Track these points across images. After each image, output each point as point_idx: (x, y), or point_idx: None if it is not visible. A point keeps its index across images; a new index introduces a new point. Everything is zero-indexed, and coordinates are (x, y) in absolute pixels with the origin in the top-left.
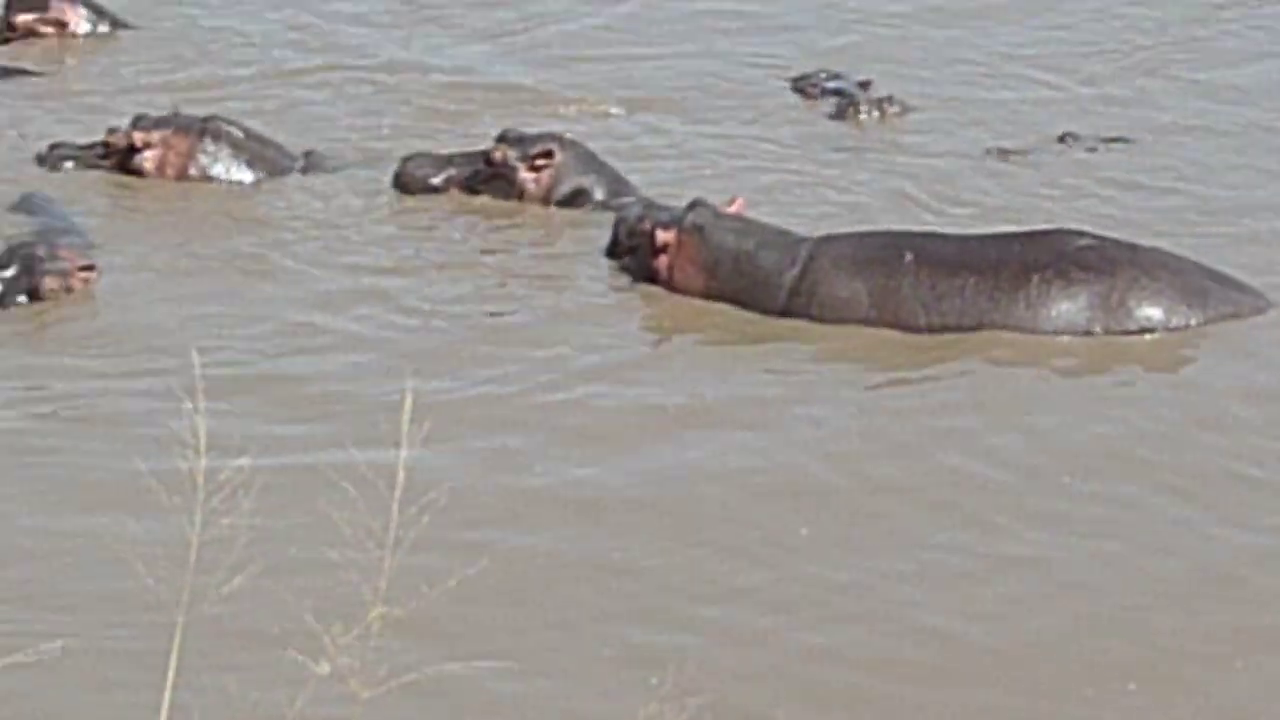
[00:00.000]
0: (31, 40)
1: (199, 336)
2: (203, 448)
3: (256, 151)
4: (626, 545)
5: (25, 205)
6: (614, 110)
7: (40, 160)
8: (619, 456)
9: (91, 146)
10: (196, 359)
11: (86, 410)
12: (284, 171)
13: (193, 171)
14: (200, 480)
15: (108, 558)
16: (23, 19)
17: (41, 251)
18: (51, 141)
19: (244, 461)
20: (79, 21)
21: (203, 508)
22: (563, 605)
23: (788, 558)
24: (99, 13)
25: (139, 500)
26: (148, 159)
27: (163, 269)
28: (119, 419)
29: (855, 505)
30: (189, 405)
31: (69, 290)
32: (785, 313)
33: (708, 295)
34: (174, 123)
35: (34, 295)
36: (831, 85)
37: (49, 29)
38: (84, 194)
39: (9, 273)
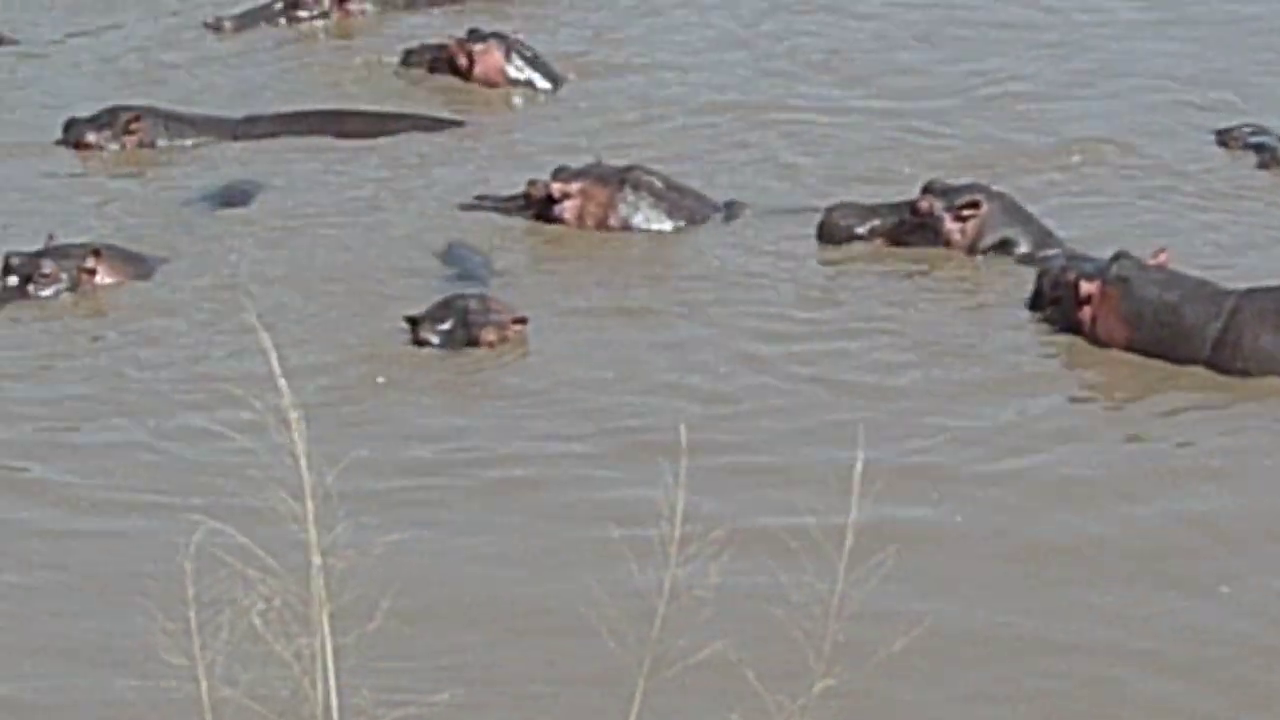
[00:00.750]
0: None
1: (631, 394)
2: (678, 515)
3: (676, 201)
4: (1068, 616)
5: (450, 255)
6: (1074, 159)
7: (464, 209)
8: (1073, 514)
9: (513, 197)
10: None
11: (528, 471)
12: (704, 220)
13: (612, 221)
14: (669, 546)
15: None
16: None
17: (475, 304)
18: (477, 193)
19: (696, 526)
20: (499, 61)
21: (671, 573)
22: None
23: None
24: (536, 65)
25: (601, 564)
26: (567, 209)
27: (588, 320)
28: (558, 481)
29: None
30: (608, 469)
31: (504, 341)
32: (1209, 365)
33: (1130, 347)
34: (594, 173)
35: (472, 346)
36: (1255, 139)
37: (463, 60)
38: (506, 243)
39: (446, 325)
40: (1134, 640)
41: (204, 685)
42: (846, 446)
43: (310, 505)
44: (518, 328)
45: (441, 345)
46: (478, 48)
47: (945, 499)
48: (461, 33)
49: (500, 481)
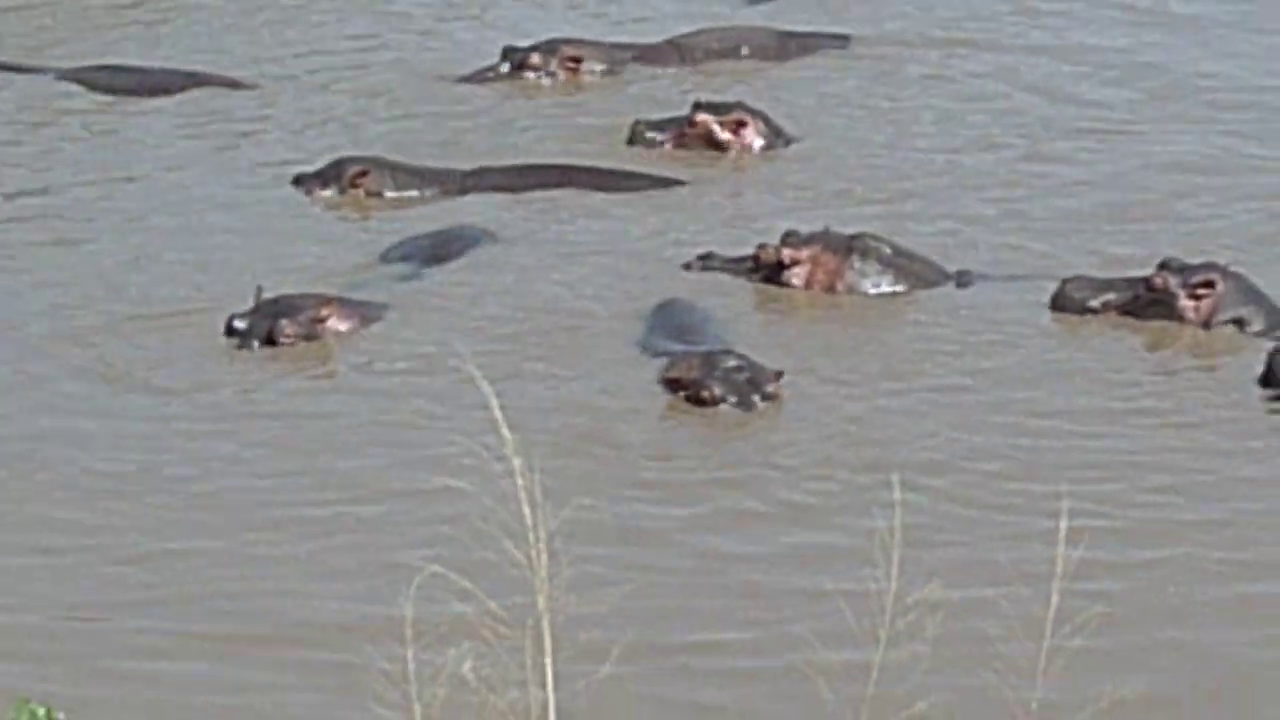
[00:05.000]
0: (703, 150)
1: (883, 454)
2: (894, 572)
3: (905, 267)
4: None
5: (670, 311)
6: None
7: (687, 267)
8: None
9: (742, 259)
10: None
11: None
12: (934, 286)
13: (840, 287)
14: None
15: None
16: (703, 118)
17: (737, 361)
18: (702, 251)
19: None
20: (755, 137)
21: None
22: None
23: None
24: (776, 132)
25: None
26: (796, 274)
27: (830, 382)
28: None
29: None
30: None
31: (769, 399)
32: None
33: None
34: (823, 239)
35: (746, 406)
36: None
37: (727, 135)
38: (734, 303)
39: (741, 377)
40: None
41: None
42: (1059, 512)
43: (537, 553)
44: (778, 385)
45: (733, 402)
46: (740, 125)
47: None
48: (690, 102)
49: (725, 529)
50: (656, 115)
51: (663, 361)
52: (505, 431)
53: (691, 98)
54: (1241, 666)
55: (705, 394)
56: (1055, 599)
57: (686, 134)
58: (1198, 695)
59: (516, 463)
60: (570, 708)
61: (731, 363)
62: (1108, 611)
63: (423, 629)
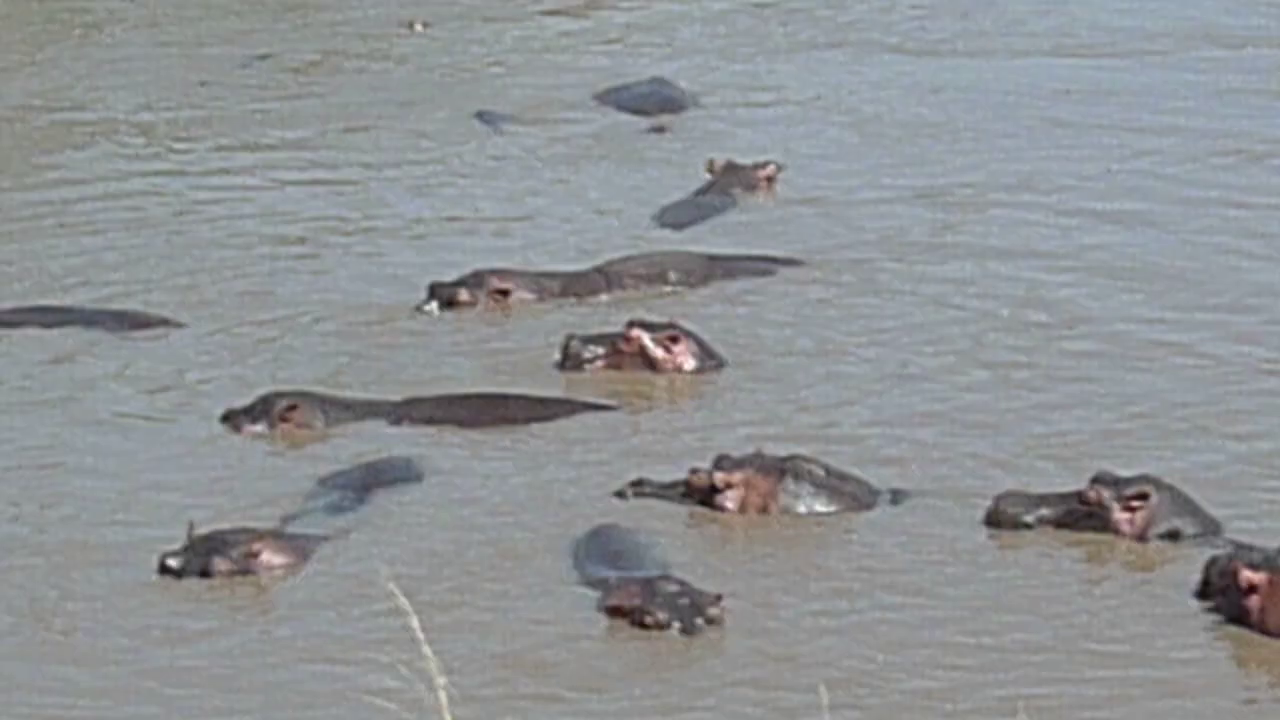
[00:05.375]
0: (635, 369)
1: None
2: None
3: (838, 487)
4: None
5: (604, 537)
6: None
7: (619, 495)
8: None
9: (674, 485)
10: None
11: None
12: (868, 505)
13: (774, 510)
14: None
15: None
16: (637, 333)
17: (677, 586)
18: (633, 478)
19: None
20: (687, 356)
21: None
22: None
23: None
24: (708, 353)
25: None
26: (730, 498)
27: (765, 605)
28: None
29: None
30: None
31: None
32: None
33: None
34: (756, 462)
35: (690, 630)
36: None
37: (660, 351)
38: (668, 528)
39: (680, 604)
40: None
41: None
42: None
43: None
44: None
45: (672, 625)
46: (675, 346)
47: None
48: (623, 323)
49: None
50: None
51: (597, 589)
52: (429, 654)
53: (620, 322)
54: None
55: (649, 619)
56: None
57: (621, 349)
58: None
59: (441, 683)
60: None
61: (672, 587)
62: None
63: None
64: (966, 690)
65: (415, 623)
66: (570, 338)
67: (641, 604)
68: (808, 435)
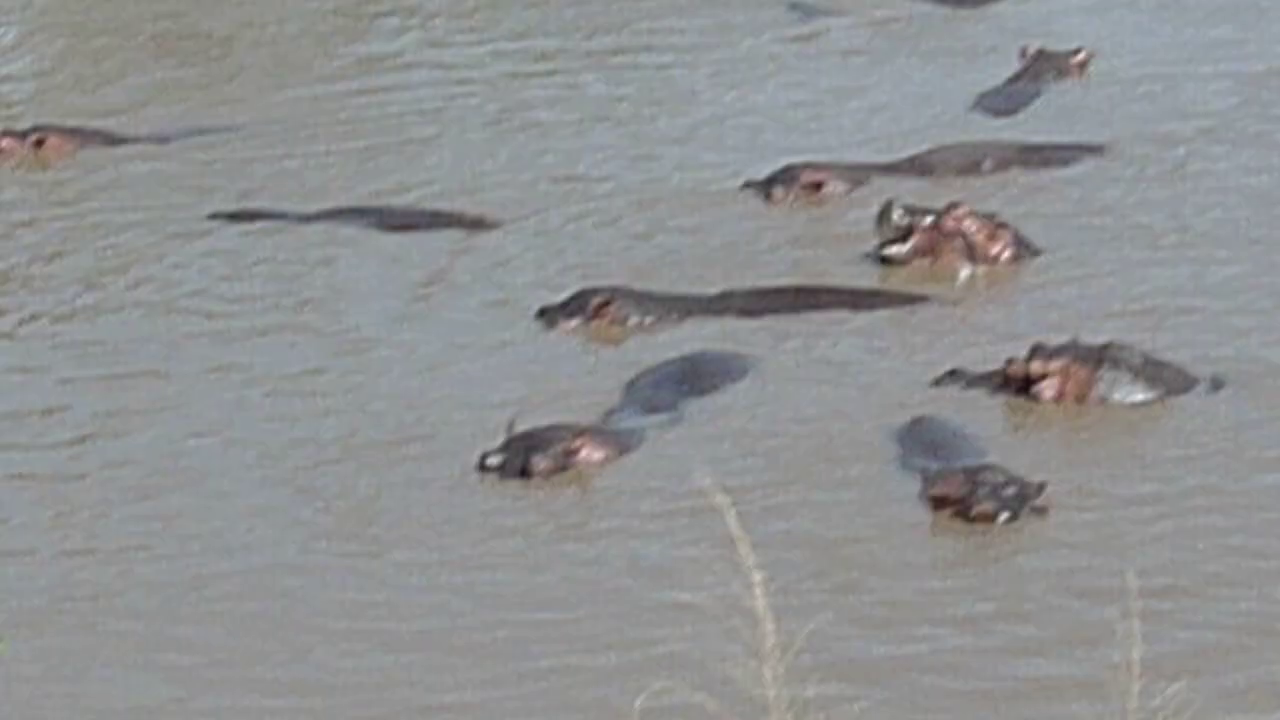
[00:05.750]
0: (947, 256)
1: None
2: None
3: (1156, 375)
4: None
5: (923, 427)
6: None
7: (936, 384)
8: None
9: (990, 375)
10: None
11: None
12: (1185, 392)
13: (1091, 398)
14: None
15: None
16: (961, 213)
17: (999, 475)
18: (950, 368)
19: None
20: (1005, 247)
21: None
22: None
23: None
24: (1023, 244)
25: None
26: (1047, 387)
27: (1090, 496)
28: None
29: None
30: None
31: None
32: None
33: None
34: (1072, 351)
35: (1016, 519)
36: None
37: (981, 237)
38: (986, 419)
39: (1008, 491)
40: None
41: None
42: None
43: (774, 676)
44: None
45: (1000, 515)
46: (997, 232)
47: None
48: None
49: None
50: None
51: (919, 479)
52: (746, 551)
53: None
54: None
55: (976, 509)
56: None
57: (941, 228)
58: None
59: (758, 580)
60: None
61: (997, 476)
62: None
63: None
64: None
65: (732, 519)
66: (890, 201)
67: (968, 494)
68: (1125, 323)
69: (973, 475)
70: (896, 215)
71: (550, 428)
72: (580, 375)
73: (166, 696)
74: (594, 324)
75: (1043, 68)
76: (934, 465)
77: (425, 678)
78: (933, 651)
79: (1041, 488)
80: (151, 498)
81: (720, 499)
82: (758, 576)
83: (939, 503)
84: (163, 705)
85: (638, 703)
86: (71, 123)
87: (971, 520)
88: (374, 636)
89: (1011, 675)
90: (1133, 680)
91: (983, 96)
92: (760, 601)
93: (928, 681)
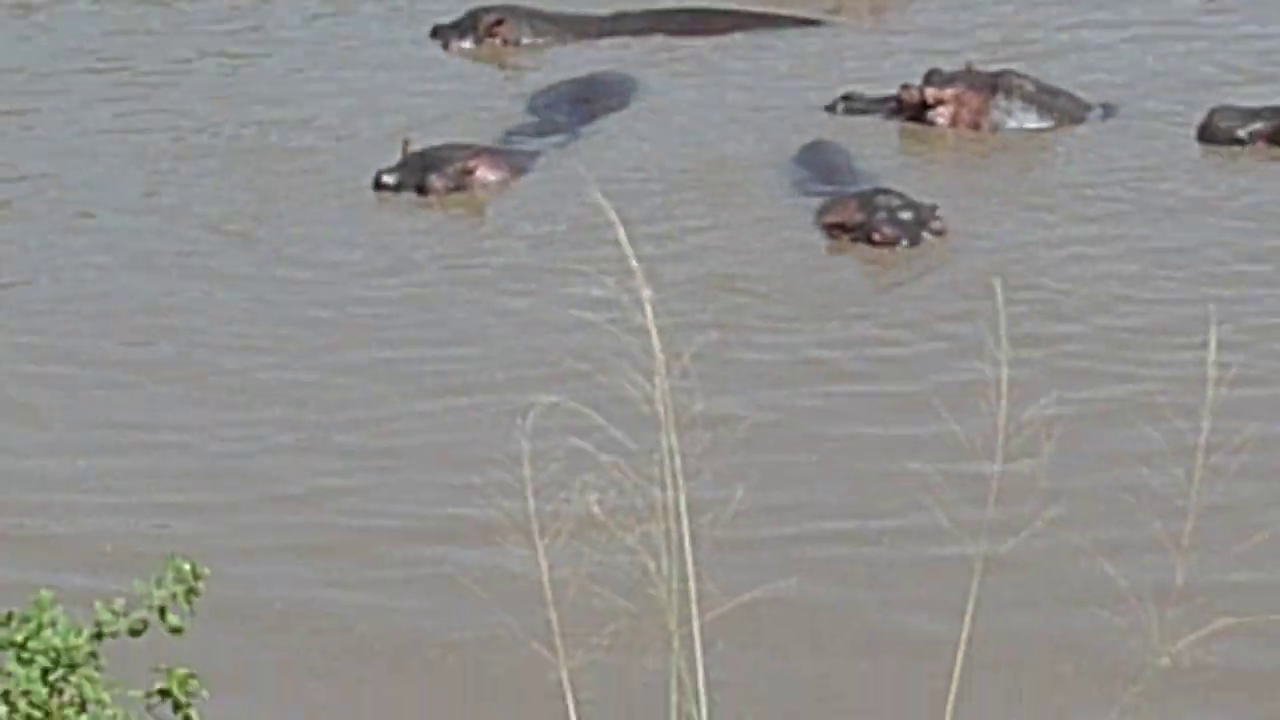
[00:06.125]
0: None
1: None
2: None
3: (1048, 103)
4: None
5: (815, 152)
6: None
7: (830, 109)
8: None
9: (884, 100)
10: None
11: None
12: (1079, 121)
13: (985, 125)
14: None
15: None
16: None
17: (895, 200)
18: (844, 92)
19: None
20: None
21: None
22: None
23: None
24: None
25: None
26: (941, 114)
27: (981, 219)
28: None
29: None
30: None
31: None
32: None
33: None
34: (967, 78)
35: (915, 242)
36: None
37: None
38: (873, 144)
39: (906, 216)
40: None
41: (544, 567)
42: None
43: (662, 383)
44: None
45: (905, 242)
46: None
47: None
48: None
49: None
50: None
51: (814, 203)
52: (636, 265)
53: None
54: None
55: (876, 235)
56: (1207, 424)
57: None
58: None
59: (647, 295)
60: (703, 536)
61: (893, 200)
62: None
63: (543, 463)
64: (1160, 302)
65: (622, 233)
66: None
67: (865, 219)
68: (1017, 51)
69: (867, 201)
70: None
71: (446, 147)
72: (473, 95)
73: None
74: (486, 43)
75: None
76: (826, 190)
77: (320, 395)
78: (820, 363)
79: (934, 209)
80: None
81: (611, 215)
82: (647, 292)
83: (834, 229)
84: None
85: (529, 417)
86: None
87: (873, 245)
88: (259, 344)
89: (892, 385)
90: (1002, 395)
91: None
92: (650, 316)
93: (823, 390)
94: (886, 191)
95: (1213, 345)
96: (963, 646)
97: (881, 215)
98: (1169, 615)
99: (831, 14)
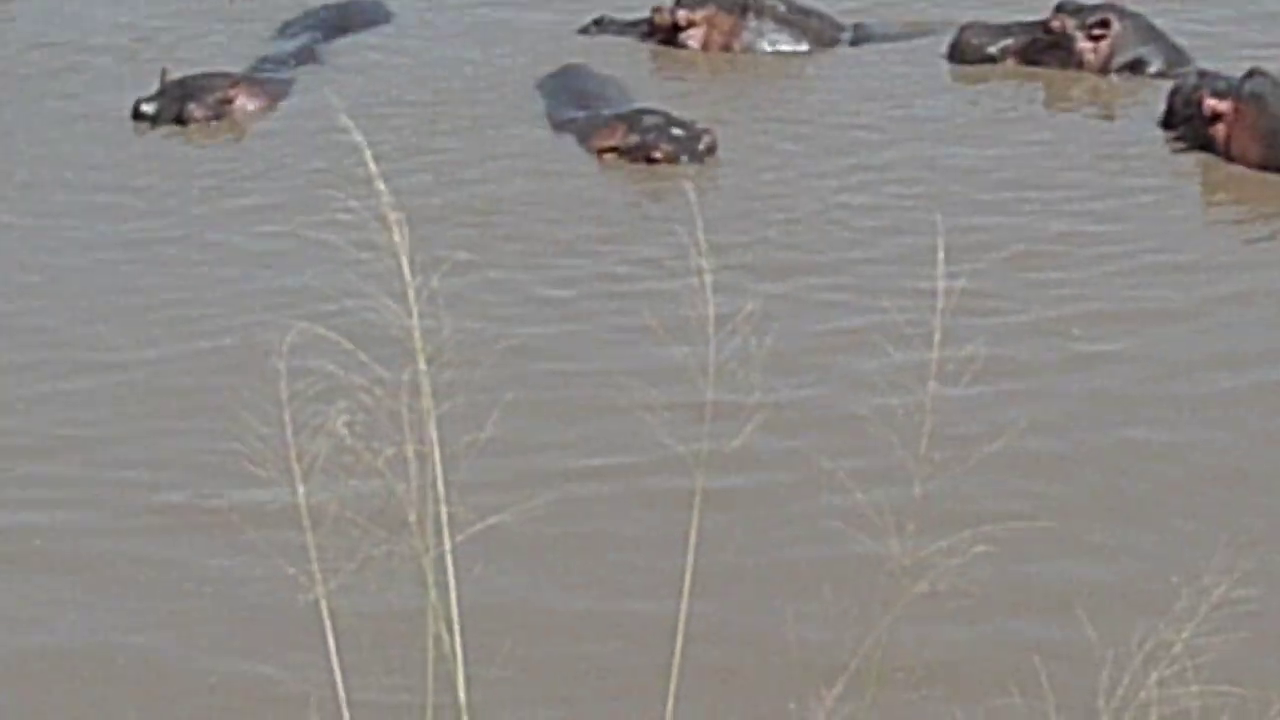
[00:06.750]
0: None
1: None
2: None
3: (801, 23)
4: None
5: (567, 75)
6: None
7: (583, 32)
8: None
9: (636, 23)
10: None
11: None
12: (832, 43)
13: (736, 47)
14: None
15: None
16: None
17: (661, 119)
18: (595, 15)
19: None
20: None
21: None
22: None
23: None
24: None
25: None
26: (692, 37)
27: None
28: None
29: None
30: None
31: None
32: None
33: (1265, 165)
34: (718, 1)
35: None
36: None
37: None
38: (626, 66)
39: (677, 132)
40: None
41: (300, 491)
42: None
43: (413, 307)
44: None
45: (685, 159)
46: None
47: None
48: None
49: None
50: None
51: (569, 129)
52: (383, 189)
53: None
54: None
55: (656, 153)
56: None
57: None
58: None
59: (395, 219)
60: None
61: (658, 120)
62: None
63: (297, 388)
64: (912, 226)
65: (369, 157)
66: None
67: (640, 140)
68: None
69: (633, 121)
70: None
71: (205, 75)
72: (228, 21)
73: None
74: None
75: None
76: (583, 114)
77: (78, 330)
78: (574, 282)
79: (697, 124)
80: None
81: (358, 138)
82: (394, 216)
83: (607, 153)
84: None
85: (284, 345)
86: None
87: (652, 163)
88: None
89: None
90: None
91: None
92: (398, 240)
93: (576, 309)
94: (651, 110)
95: (940, 267)
96: (688, 576)
97: (654, 134)
98: (911, 531)
99: None
